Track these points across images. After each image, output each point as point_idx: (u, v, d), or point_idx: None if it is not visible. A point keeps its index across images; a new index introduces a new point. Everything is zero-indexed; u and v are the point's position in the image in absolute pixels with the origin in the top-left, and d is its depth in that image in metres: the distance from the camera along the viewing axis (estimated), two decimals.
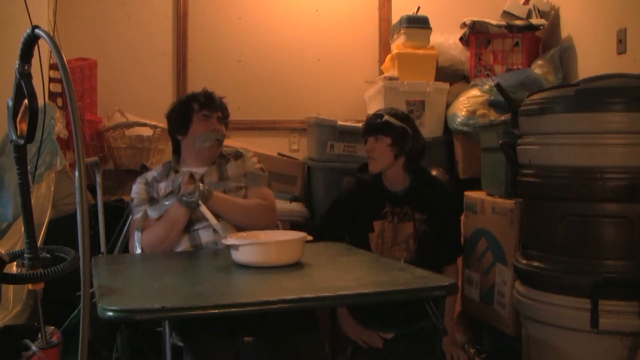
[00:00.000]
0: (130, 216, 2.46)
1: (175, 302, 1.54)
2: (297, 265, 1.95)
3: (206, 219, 2.25)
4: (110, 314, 1.43)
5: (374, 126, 2.54)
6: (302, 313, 2.00)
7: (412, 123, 2.59)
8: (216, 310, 1.53)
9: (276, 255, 1.95)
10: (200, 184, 2.25)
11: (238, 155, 2.52)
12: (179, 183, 2.24)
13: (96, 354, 2.38)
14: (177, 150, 2.51)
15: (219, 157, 2.47)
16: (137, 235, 2.32)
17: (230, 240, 1.99)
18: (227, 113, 2.50)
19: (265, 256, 1.94)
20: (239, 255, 1.96)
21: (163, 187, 2.40)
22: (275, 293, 1.67)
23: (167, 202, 2.33)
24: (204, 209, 2.22)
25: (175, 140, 2.50)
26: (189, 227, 2.29)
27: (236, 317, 1.89)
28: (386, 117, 2.53)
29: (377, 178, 2.57)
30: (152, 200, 2.38)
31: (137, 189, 2.42)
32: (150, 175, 2.45)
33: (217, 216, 2.26)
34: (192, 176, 2.26)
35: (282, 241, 2.03)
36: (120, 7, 3.86)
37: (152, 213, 2.34)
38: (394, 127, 2.52)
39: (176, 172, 2.43)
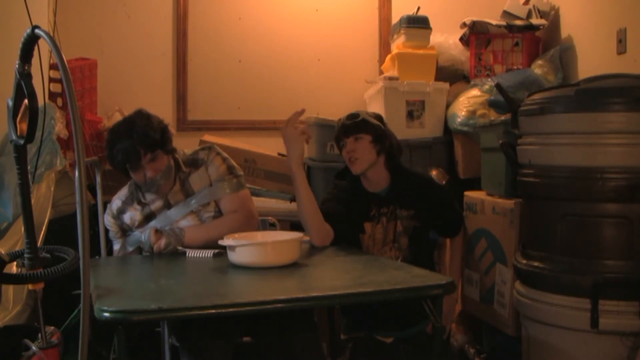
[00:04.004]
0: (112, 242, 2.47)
1: (172, 303, 1.54)
2: (294, 266, 1.96)
3: None
4: (107, 315, 1.44)
5: (352, 126, 2.47)
6: (299, 313, 2.00)
7: (384, 122, 2.56)
8: (213, 311, 1.53)
9: (273, 255, 1.95)
10: (169, 231, 2.24)
11: (198, 163, 2.38)
12: (150, 244, 2.23)
13: (96, 354, 2.38)
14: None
15: (178, 172, 2.36)
16: None
17: (227, 241, 1.98)
18: (157, 148, 2.23)
19: (262, 257, 1.94)
20: (235, 256, 1.96)
21: (127, 218, 2.37)
22: (273, 293, 1.67)
23: (139, 232, 2.32)
24: (191, 253, 2.20)
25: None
26: None
27: (233, 318, 1.89)
28: (362, 116, 2.49)
29: (356, 183, 2.52)
30: (124, 232, 2.39)
31: (107, 222, 2.42)
32: (115, 206, 2.39)
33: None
34: (157, 231, 2.25)
35: (279, 241, 2.02)
36: (120, 7, 3.86)
37: (129, 247, 2.36)
38: (372, 125, 2.48)
39: (139, 202, 2.37)
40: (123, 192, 2.42)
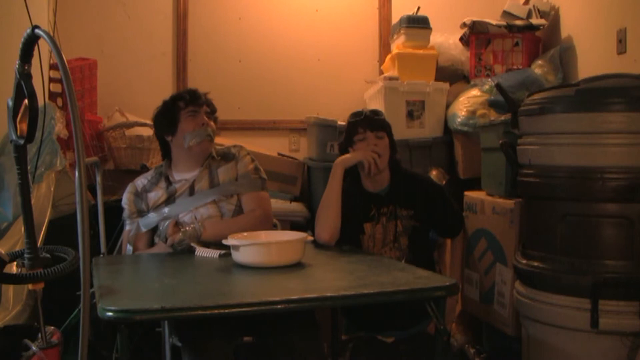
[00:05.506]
0: (123, 223, 2.48)
1: (175, 303, 1.54)
2: (297, 266, 1.95)
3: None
4: (110, 314, 1.44)
5: (378, 123, 2.48)
6: (300, 313, 2.00)
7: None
8: (216, 311, 1.53)
9: (277, 255, 1.95)
10: (188, 228, 2.25)
11: (229, 156, 2.47)
12: (166, 234, 2.25)
13: (96, 354, 2.38)
14: (166, 154, 2.49)
15: (209, 159, 2.43)
16: (129, 249, 2.40)
17: (231, 240, 1.98)
18: (214, 108, 2.47)
19: (266, 257, 1.94)
20: (239, 256, 1.96)
21: (152, 197, 2.40)
22: (276, 293, 1.67)
23: (155, 215, 2.34)
24: (199, 252, 2.20)
25: (164, 143, 2.47)
26: None
27: (235, 318, 1.89)
28: (383, 116, 2.51)
29: (355, 183, 2.52)
30: (140, 213, 2.40)
31: (126, 199, 2.43)
32: (140, 183, 2.45)
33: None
34: (176, 223, 2.27)
35: (283, 242, 2.03)
36: (120, 7, 3.86)
37: (143, 227, 2.37)
38: (390, 126, 2.52)
39: (167, 179, 2.41)
40: (149, 173, 2.48)
